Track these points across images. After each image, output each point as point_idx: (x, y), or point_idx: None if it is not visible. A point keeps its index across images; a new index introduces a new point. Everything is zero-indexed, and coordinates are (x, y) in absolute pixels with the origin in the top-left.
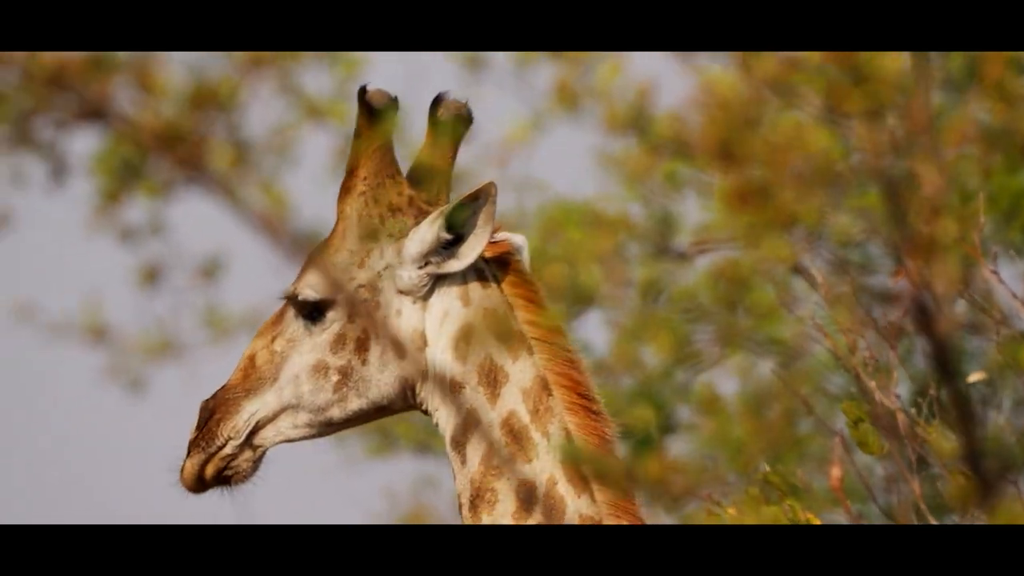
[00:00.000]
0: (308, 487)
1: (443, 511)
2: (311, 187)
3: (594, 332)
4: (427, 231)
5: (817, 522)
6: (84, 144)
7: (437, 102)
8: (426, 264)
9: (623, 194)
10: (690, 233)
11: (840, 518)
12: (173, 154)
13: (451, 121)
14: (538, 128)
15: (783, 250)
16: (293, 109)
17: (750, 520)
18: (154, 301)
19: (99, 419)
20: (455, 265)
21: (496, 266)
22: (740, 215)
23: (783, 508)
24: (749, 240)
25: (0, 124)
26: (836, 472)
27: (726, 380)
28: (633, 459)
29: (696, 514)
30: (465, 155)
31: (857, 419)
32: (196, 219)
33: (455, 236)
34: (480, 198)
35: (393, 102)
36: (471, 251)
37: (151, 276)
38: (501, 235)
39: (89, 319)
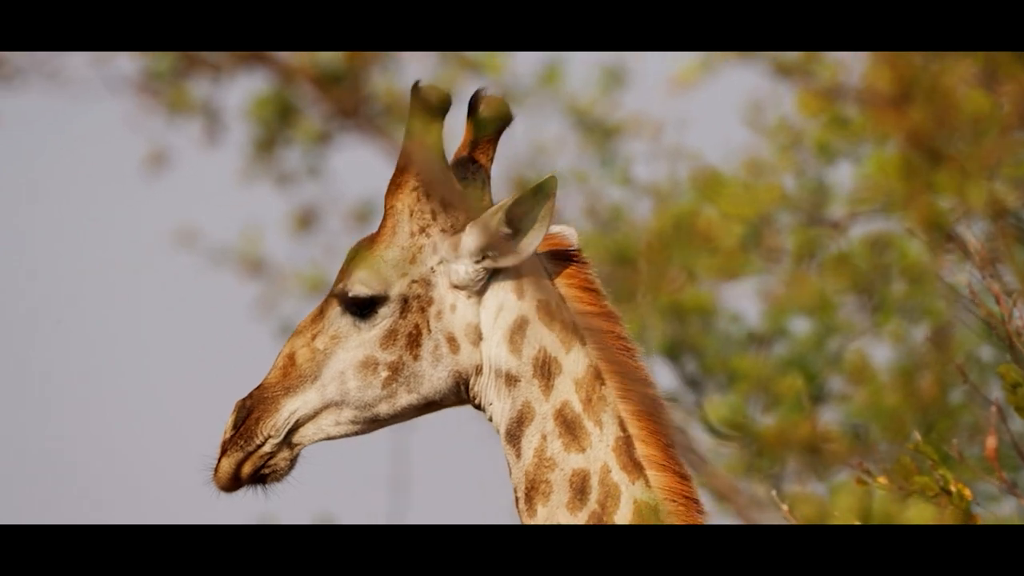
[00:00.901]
0: None
1: None
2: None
3: (745, 302)
4: (487, 225)
5: (967, 493)
6: (243, 89)
7: (477, 98)
8: (483, 258)
9: (776, 163)
10: (843, 201)
11: (993, 488)
12: (330, 100)
13: (492, 117)
14: (708, 69)
15: (940, 215)
16: (448, 60)
17: (896, 490)
18: (309, 244)
19: (252, 353)
20: (513, 259)
21: (548, 258)
22: (897, 180)
23: (935, 478)
24: (905, 205)
25: (160, 77)
26: (991, 441)
27: (878, 348)
28: (785, 426)
29: (847, 483)
30: (624, 109)
31: (1015, 383)
32: (351, 164)
33: (513, 230)
34: (541, 192)
35: (447, 99)
36: (530, 245)
37: (306, 220)
38: (554, 228)
39: (247, 249)
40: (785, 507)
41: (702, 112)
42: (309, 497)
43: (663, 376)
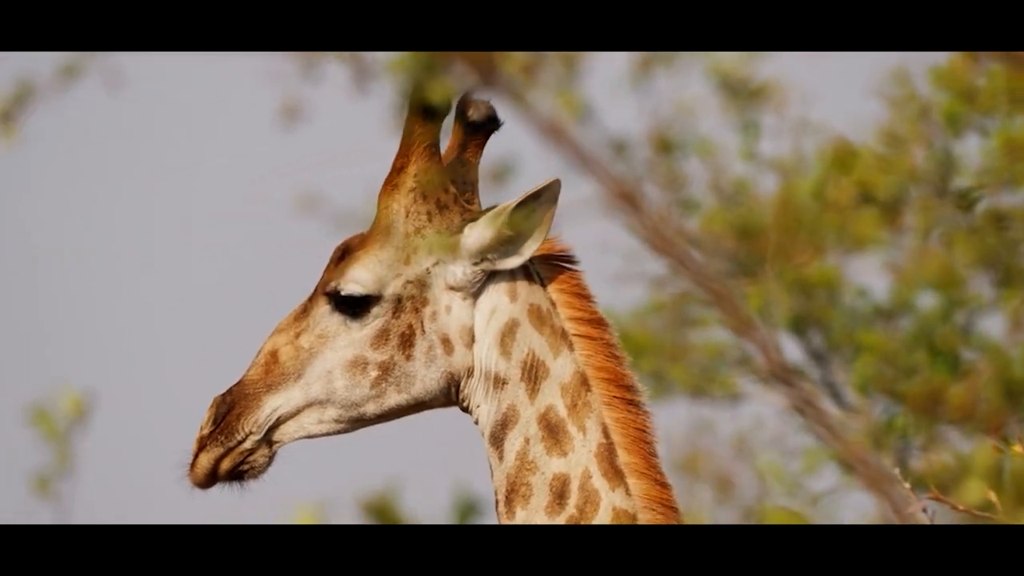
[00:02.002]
0: None
1: (719, 456)
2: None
3: (871, 276)
4: (487, 227)
5: None
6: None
7: (465, 102)
8: (482, 260)
9: (907, 135)
10: (971, 174)
11: None
12: (467, 58)
13: (480, 121)
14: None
15: None
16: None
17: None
18: None
19: None
20: (513, 262)
21: (540, 262)
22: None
23: None
24: None
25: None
26: None
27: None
28: (941, 384)
29: (981, 450)
30: (765, 74)
31: None
32: None
33: (515, 232)
34: (545, 195)
35: (449, 103)
36: (530, 248)
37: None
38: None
39: (371, 210)
40: (907, 485)
41: (828, 84)
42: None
43: (790, 350)
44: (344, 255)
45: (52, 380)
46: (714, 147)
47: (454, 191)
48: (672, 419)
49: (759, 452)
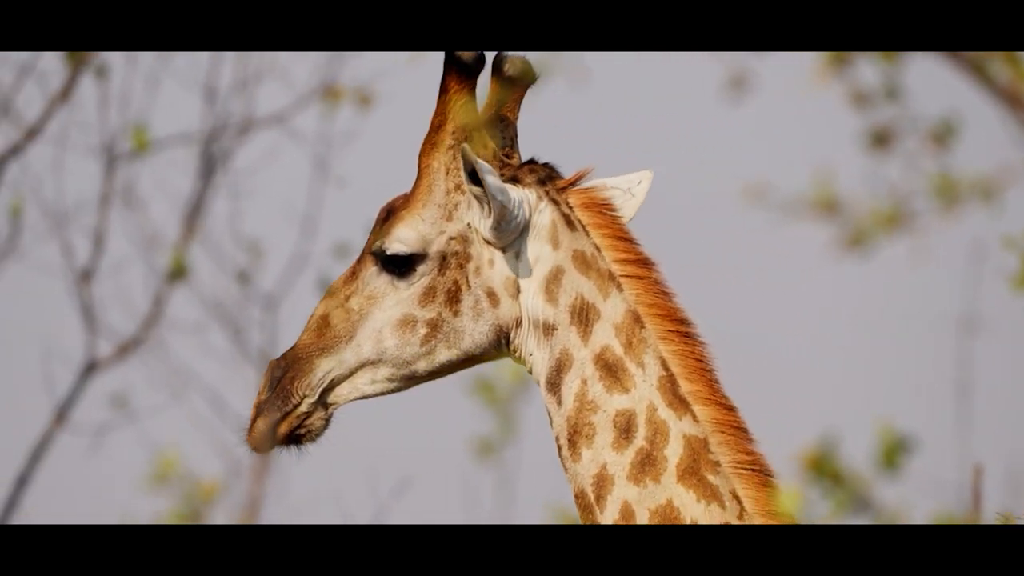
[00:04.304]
0: None
1: None
2: None
3: None
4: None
5: None
6: None
7: (502, 59)
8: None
9: None
10: None
11: None
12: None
13: (516, 77)
14: None
15: None
16: None
17: None
18: (884, 167)
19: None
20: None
21: (582, 210)
22: None
23: None
24: None
25: None
26: None
27: None
28: None
29: None
30: None
31: None
32: (929, 83)
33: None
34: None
35: (482, 59)
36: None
37: (882, 141)
38: (593, 182)
39: (820, 192)
40: None
41: None
42: None
43: None
44: (389, 216)
45: None
46: None
47: (493, 146)
48: None
49: None
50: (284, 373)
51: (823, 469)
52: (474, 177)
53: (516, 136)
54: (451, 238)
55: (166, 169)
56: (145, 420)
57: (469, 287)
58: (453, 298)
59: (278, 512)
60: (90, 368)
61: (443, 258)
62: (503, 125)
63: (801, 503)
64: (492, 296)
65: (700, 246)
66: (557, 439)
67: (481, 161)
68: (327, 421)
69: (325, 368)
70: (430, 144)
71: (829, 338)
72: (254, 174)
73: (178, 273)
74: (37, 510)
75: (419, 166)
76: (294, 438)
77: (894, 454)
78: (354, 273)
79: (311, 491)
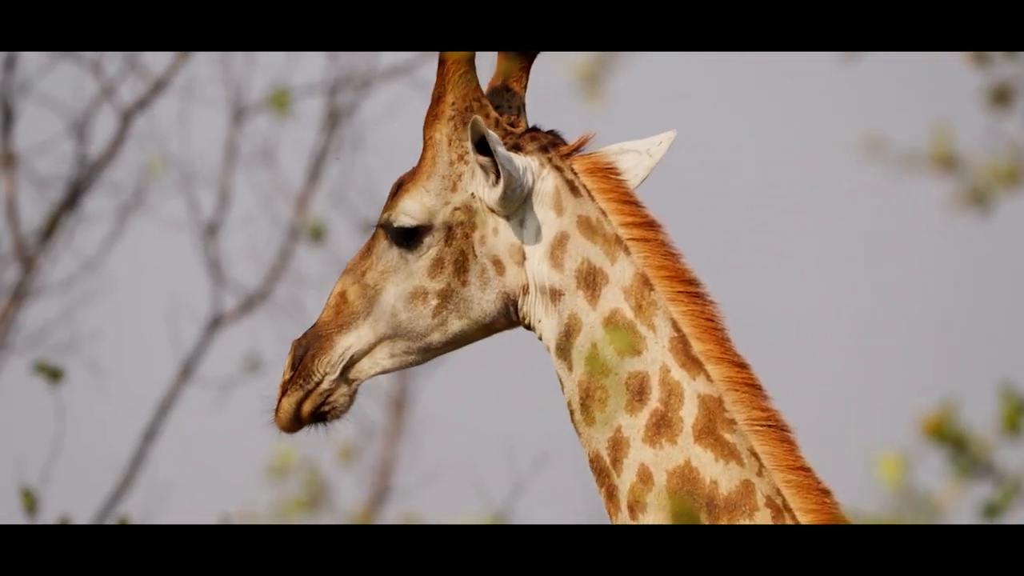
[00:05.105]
0: None
1: None
2: None
3: None
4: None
5: None
6: None
7: None
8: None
9: None
10: None
11: None
12: None
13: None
14: None
15: None
16: None
17: None
18: (1004, 123)
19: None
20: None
21: (586, 176)
22: None
23: None
24: None
25: None
26: None
27: None
28: None
29: None
30: None
31: None
32: None
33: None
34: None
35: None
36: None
37: (1003, 97)
38: (611, 145)
39: (938, 148)
40: None
41: None
42: None
43: None
44: (398, 189)
45: None
46: None
47: (495, 115)
48: None
49: None
50: (306, 352)
51: (944, 433)
52: (480, 147)
53: (523, 106)
54: (456, 208)
55: (291, 124)
56: (272, 374)
57: (475, 256)
58: (461, 268)
59: (410, 477)
60: (216, 322)
61: (449, 229)
62: (509, 95)
63: (904, 470)
64: (498, 264)
65: (817, 201)
66: (569, 404)
67: (491, 131)
68: (351, 397)
69: (344, 344)
70: (432, 116)
71: (949, 299)
72: (378, 125)
73: (316, 235)
74: (164, 463)
75: (424, 138)
76: (319, 416)
77: (1017, 418)
78: (369, 248)
79: (442, 459)
